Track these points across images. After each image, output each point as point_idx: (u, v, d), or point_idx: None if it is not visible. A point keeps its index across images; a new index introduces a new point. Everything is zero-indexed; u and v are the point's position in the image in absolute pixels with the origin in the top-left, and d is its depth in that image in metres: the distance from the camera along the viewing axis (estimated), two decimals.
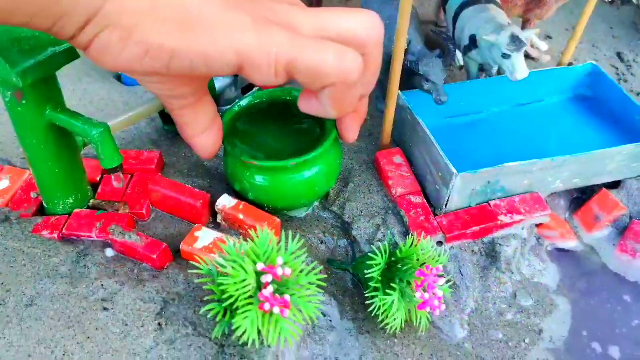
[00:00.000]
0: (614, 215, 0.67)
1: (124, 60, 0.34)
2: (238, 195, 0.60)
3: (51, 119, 0.50)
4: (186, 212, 0.60)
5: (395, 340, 0.54)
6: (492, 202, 0.63)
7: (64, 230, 0.56)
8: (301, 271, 0.46)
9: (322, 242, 0.62)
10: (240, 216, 0.57)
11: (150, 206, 0.61)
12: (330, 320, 0.54)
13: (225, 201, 0.58)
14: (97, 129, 0.48)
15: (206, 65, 0.35)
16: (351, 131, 0.49)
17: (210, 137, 0.46)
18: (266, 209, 0.59)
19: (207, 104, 0.44)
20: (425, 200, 0.63)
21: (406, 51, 0.62)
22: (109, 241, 0.55)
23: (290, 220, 0.63)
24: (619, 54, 0.96)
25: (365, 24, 0.39)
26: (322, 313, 0.54)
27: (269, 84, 0.37)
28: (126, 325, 0.48)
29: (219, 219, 0.60)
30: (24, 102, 0.49)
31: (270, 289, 0.43)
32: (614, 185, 0.70)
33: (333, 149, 0.57)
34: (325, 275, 0.48)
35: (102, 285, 0.51)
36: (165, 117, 0.71)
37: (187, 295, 0.52)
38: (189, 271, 0.48)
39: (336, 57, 0.36)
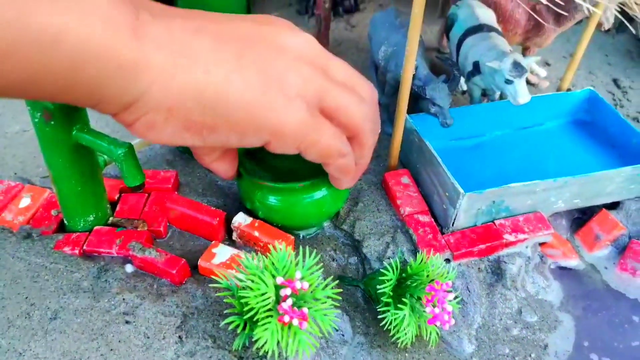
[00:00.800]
0: (613, 235, 0.69)
1: (167, 136, 0.37)
2: (251, 213, 0.62)
3: (77, 139, 0.52)
4: (203, 230, 0.62)
5: (406, 354, 0.56)
6: (497, 222, 0.65)
7: (85, 247, 0.58)
8: (317, 286, 0.48)
9: (333, 260, 0.64)
10: (256, 234, 0.59)
11: (168, 224, 0.63)
12: (342, 335, 0.56)
13: (241, 219, 0.61)
14: (122, 148, 0.51)
15: (240, 141, 0.39)
16: (342, 182, 0.54)
17: (226, 162, 0.50)
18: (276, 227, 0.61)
19: None
20: (432, 219, 0.65)
21: (413, 77, 0.65)
22: (129, 257, 0.57)
23: (301, 238, 0.65)
24: (615, 81, 0.99)
25: (368, 115, 0.45)
26: (335, 328, 0.56)
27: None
28: (148, 338, 0.50)
29: (234, 236, 0.61)
30: (52, 122, 0.51)
31: (289, 302, 0.45)
32: (613, 206, 0.72)
33: None
34: (341, 290, 0.50)
35: (123, 299, 0.53)
36: None
37: (205, 309, 0.53)
38: (211, 285, 0.50)
39: (342, 145, 0.44)
